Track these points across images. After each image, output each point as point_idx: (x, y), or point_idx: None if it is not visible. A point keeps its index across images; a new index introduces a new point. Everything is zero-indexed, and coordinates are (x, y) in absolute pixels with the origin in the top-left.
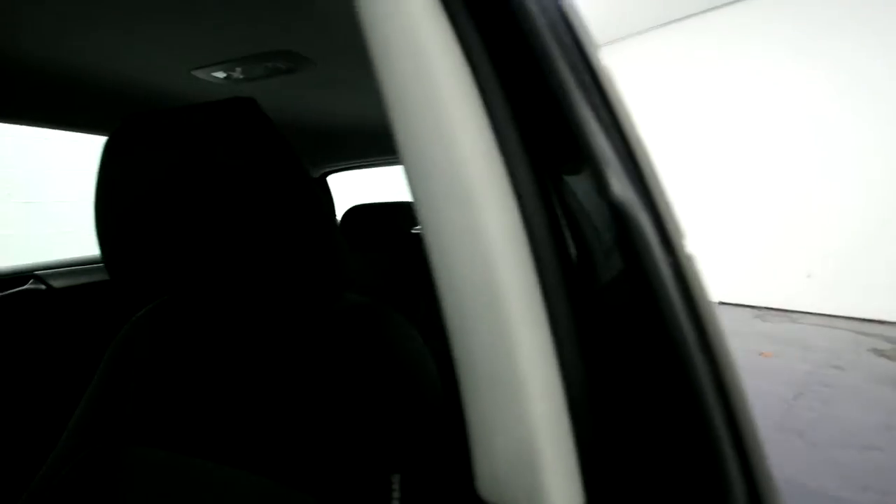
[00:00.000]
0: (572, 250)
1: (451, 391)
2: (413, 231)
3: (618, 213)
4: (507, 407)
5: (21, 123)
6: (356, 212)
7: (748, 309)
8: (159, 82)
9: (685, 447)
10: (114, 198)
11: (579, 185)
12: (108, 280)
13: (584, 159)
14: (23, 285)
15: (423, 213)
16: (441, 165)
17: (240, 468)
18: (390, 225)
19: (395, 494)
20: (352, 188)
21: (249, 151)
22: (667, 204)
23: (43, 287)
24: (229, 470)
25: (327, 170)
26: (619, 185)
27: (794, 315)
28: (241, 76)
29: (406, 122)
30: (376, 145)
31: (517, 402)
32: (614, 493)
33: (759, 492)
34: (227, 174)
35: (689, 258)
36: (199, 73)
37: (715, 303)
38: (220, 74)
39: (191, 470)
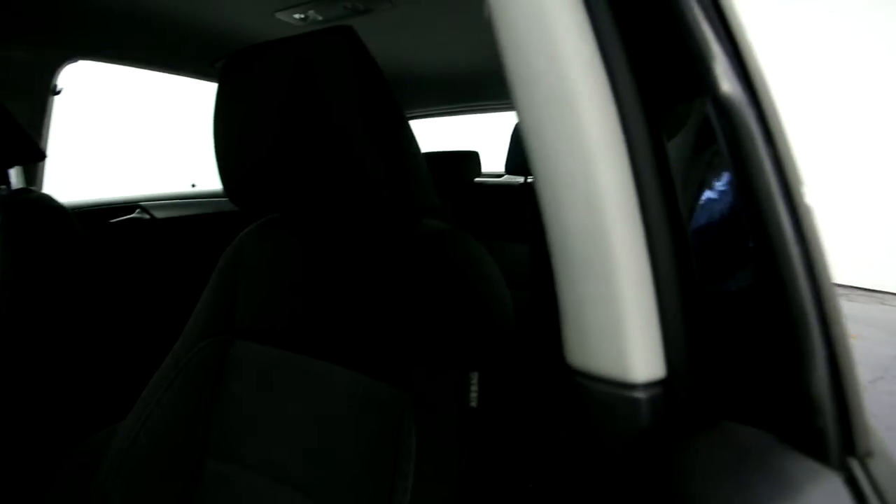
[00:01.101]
0: (674, 163)
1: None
2: (476, 181)
3: (734, 146)
4: (598, 287)
5: (117, 63)
6: None
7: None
8: (245, 25)
9: (767, 342)
10: (229, 126)
11: (691, 117)
12: (203, 214)
13: (702, 88)
14: (130, 214)
15: (524, 117)
16: (546, 75)
17: (332, 363)
18: (453, 174)
19: (474, 389)
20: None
21: (351, 76)
22: (787, 146)
23: (147, 217)
24: (323, 363)
25: None
26: (737, 114)
27: (884, 296)
28: (318, 17)
29: (515, 40)
30: (450, 92)
31: (608, 284)
32: (692, 373)
33: (842, 378)
34: (330, 100)
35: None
36: (282, 16)
37: None
38: (299, 15)
39: (288, 361)
